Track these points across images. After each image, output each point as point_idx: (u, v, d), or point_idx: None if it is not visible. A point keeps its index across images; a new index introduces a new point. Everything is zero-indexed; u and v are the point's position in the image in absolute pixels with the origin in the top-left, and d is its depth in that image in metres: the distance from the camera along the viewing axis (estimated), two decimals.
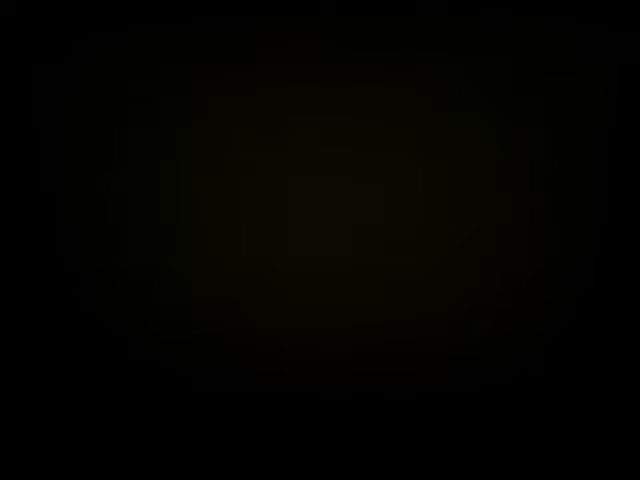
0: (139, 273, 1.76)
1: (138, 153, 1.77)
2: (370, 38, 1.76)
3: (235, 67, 1.77)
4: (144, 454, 1.74)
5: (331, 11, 1.77)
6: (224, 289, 1.75)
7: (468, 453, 1.73)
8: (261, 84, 1.77)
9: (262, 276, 1.75)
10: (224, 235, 1.76)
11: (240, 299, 1.75)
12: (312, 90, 1.77)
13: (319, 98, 1.77)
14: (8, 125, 1.78)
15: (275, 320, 1.74)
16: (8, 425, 1.75)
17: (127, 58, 1.78)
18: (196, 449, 1.74)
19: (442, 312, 1.74)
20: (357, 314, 1.74)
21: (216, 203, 1.76)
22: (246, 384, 1.74)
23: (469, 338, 1.73)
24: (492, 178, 1.75)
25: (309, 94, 1.77)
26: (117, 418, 1.75)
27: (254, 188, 1.76)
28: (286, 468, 1.74)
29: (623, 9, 1.76)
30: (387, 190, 1.76)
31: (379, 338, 1.74)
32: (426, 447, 1.73)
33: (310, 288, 1.74)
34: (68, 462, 1.75)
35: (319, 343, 1.74)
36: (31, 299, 1.76)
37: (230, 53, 1.77)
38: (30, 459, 1.75)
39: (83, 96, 1.78)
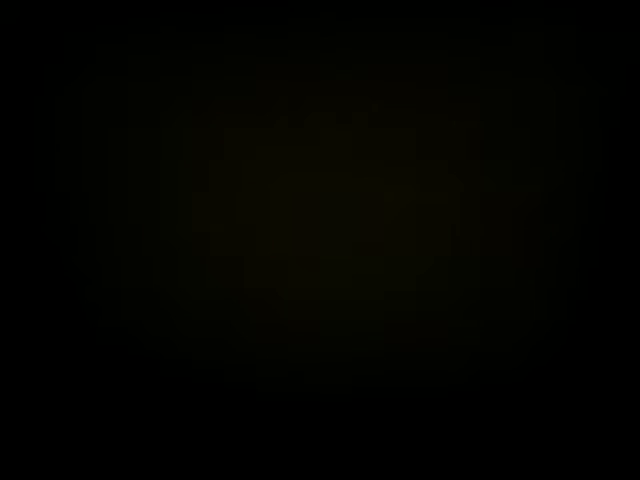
0: (139, 273, 1.76)
1: (137, 153, 1.77)
2: (371, 38, 1.76)
3: (235, 67, 1.77)
4: (143, 457, 1.74)
5: (332, 10, 1.76)
6: (223, 290, 1.75)
7: (468, 453, 1.73)
8: (261, 83, 1.77)
9: (262, 277, 1.75)
10: (224, 236, 1.76)
11: (240, 300, 1.75)
12: (312, 90, 1.77)
13: (319, 97, 1.77)
14: (7, 125, 1.78)
15: (275, 320, 1.74)
16: (8, 426, 1.75)
17: (127, 58, 1.78)
18: (196, 451, 1.74)
19: (442, 312, 1.74)
20: (357, 314, 1.74)
21: (216, 203, 1.76)
22: (246, 387, 1.74)
23: (469, 338, 1.73)
24: (492, 178, 1.75)
25: (309, 94, 1.77)
26: (116, 420, 1.74)
27: (254, 189, 1.76)
28: (286, 470, 1.74)
29: (623, 9, 1.76)
30: (386, 190, 1.75)
31: (379, 338, 1.74)
32: (426, 447, 1.73)
33: (310, 288, 1.74)
34: (67, 463, 1.75)
35: (319, 343, 1.74)
36: (28, 299, 1.76)
37: (230, 53, 1.77)
38: (30, 459, 1.75)
39: (82, 96, 1.78)
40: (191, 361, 1.75)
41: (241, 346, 1.74)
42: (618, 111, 1.75)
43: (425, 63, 1.76)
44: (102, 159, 1.77)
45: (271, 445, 1.74)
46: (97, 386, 1.75)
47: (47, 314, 1.75)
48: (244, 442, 1.74)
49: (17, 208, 1.77)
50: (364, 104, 1.76)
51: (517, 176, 1.75)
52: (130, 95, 1.77)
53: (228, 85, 1.77)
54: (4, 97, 1.78)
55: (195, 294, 1.75)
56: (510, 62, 1.76)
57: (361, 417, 1.73)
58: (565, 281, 1.74)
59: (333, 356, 1.74)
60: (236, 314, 1.75)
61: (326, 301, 1.74)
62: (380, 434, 1.73)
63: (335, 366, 1.74)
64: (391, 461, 1.73)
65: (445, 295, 1.74)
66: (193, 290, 1.75)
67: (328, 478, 1.73)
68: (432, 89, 1.76)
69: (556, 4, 1.76)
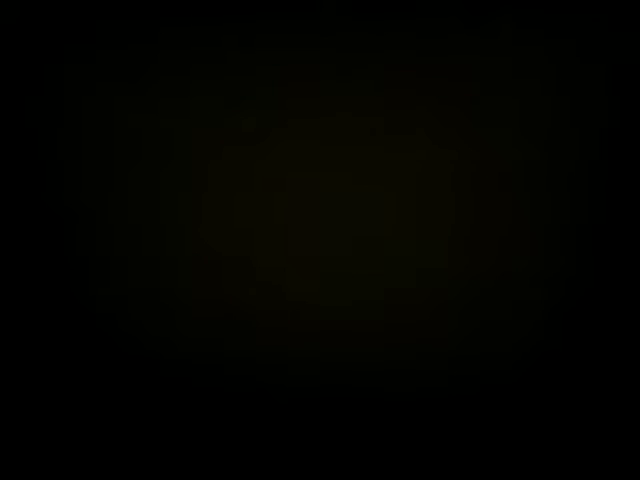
0: (139, 274, 1.76)
1: (137, 153, 1.77)
2: (371, 38, 1.76)
3: (235, 67, 1.77)
4: (143, 456, 1.74)
5: (332, 10, 1.76)
6: (224, 291, 1.75)
7: (467, 453, 1.73)
8: (260, 84, 1.77)
9: (262, 276, 1.75)
10: (224, 236, 1.76)
11: (240, 300, 1.75)
12: (312, 89, 1.77)
13: (319, 97, 1.77)
14: (7, 125, 1.78)
15: (275, 321, 1.74)
16: (8, 426, 1.75)
17: (127, 58, 1.78)
18: (197, 451, 1.74)
19: (442, 312, 1.74)
20: (357, 314, 1.74)
21: (216, 204, 1.76)
22: (246, 387, 1.74)
23: (469, 338, 1.74)
24: (492, 177, 1.75)
25: (309, 93, 1.77)
26: (117, 420, 1.75)
27: (254, 189, 1.76)
28: (287, 469, 1.74)
29: (623, 9, 1.75)
30: (386, 190, 1.76)
31: (379, 338, 1.74)
32: (425, 447, 1.73)
33: (310, 288, 1.74)
34: (67, 463, 1.75)
35: (319, 343, 1.74)
36: (28, 299, 1.76)
37: (229, 53, 1.77)
38: (30, 459, 1.75)
39: (82, 96, 1.78)
40: (191, 361, 1.75)
41: (241, 346, 1.75)
42: (618, 111, 1.75)
43: (425, 63, 1.76)
44: (102, 159, 1.77)
45: (271, 445, 1.74)
46: (97, 385, 1.75)
47: (47, 314, 1.76)
48: (244, 442, 1.74)
49: (17, 208, 1.77)
50: (365, 104, 1.76)
51: (517, 176, 1.75)
52: (130, 95, 1.77)
53: (228, 85, 1.77)
54: (4, 97, 1.78)
55: (195, 294, 1.75)
56: (510, 62, 1.75)
57: (360, 417, 1.73)
58: (565, 281, 1.74)
59: (333, 356, 1.74)
60: (236, 314, 1.75)
61: (326, 301, 1.74)
62: (380, 434, 1.73)
63: (335, 366, 1.74)
64: (390, 461, 1.73)
65: (445, 295, 1.74)
66: (193, 290, 1.75)
67: (328, 478, 1.73)
68: (433, 89, 1.76)
69: (556, 4, 1.76)
